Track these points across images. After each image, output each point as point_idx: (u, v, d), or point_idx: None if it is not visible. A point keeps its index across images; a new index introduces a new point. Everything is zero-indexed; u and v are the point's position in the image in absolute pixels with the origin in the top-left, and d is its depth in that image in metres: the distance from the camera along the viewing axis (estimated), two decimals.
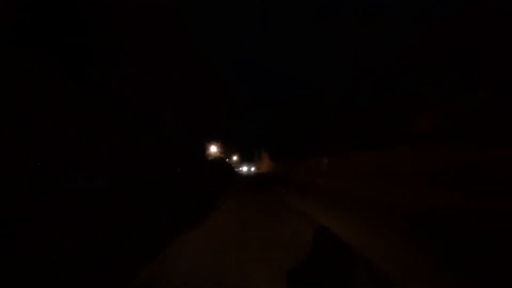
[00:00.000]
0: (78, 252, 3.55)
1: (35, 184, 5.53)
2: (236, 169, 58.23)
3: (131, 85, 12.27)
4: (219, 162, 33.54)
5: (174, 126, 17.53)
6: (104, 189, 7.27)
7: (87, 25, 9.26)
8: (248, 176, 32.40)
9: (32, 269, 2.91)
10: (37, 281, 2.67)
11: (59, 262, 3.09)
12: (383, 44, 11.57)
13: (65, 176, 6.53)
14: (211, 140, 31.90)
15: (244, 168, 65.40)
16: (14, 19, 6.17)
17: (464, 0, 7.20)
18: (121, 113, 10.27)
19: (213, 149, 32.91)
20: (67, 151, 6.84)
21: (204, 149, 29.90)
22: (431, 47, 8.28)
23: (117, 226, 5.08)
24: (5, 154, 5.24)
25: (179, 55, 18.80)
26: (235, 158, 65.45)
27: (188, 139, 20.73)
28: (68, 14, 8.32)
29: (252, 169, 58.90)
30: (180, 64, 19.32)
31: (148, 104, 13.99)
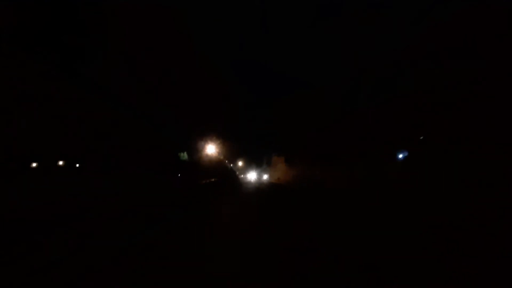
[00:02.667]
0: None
1: (35, 183, 5.53)
2: (241, 176, 46.84)
3: (130, 85, 12.26)
4: (218, 167, 25.64)
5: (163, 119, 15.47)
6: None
7: (87, 25, 9.26)
8: (261, 192, 16.04)
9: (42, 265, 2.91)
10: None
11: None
12: (383, 44, 11.57)
13: (65, 175, 6.52)
14: (208, 138, 24.34)
15: (252, 176, 49.60)
16: (14, 19, 6.16)
17: (464, 0, 7.19)
18: (120, 113, 10.26)
19: (211, 149, 24.73)
20: (66, 150, 6.83)
21: (196, 148, 22.75)
22: (431, 47, 8.27)
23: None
24: (6, 153, 5.24)
25: (179, 55, 18.80)
26: (240, 163, 55.91)
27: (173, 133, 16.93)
28: (68, 14, 8.31)
29: (265, 177, 42.13)
30: (180, 64, 19.30)
31: (146, 103, 13.85)
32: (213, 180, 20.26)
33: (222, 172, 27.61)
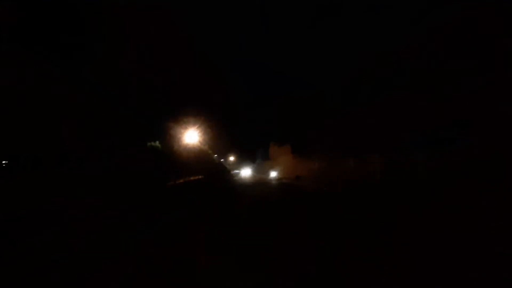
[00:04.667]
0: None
1: (34, 181, 5.53)
2: (234, 171, 41.93)
3: (130, 84, 12.25)
4: (203, 161, 19.09)
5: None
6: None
7: (87, 25, 9.25)
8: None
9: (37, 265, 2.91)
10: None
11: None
12: (383, 44, 11.58)
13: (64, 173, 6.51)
14: (191, 125, 17.24)
15: (246, 172, 42.26)
16: (13, 18, 6.16)
17: (463, 0, 7.20)
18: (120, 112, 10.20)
19: (193, 138, 17.54)
20: (65, 149, 6.82)
21: (173, 136, 15.62)
22: (431, 46, 8.28)
23: None
24: (6, 151, 5.23)
25: (179, 54, 18.79)
26: (232, 158, 51.23)
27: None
28: (69, 14, 8.30)
29: (273, 174, 29.19)
30: (179, 63, 19.30)
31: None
32: (193, 179, 14.45)
33: (209, 167, 20.89)
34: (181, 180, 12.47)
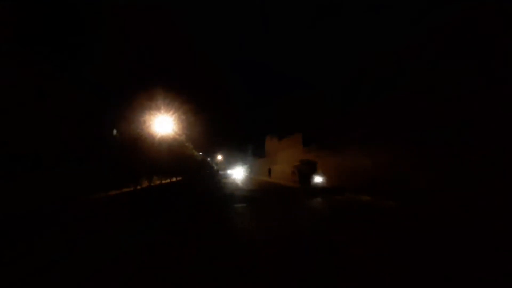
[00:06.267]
0: None
1: (34, 180, 5.53)
2: (222, 172, 38.30)
3: (130, 84, 12.22)
4: (181, 159, 13.24)
5: None
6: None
7: (87, 25, 9.25)
8: None
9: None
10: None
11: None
12: (383, 44, 11.58)
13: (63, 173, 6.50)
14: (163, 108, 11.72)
15: (238, 173, 37.15)
16: (14, 19, 6.16)
17: (463, 0, 7.20)
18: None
19: (166, 126, 11.92)
20: (65, 149, 6.82)
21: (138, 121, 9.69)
22: (431, 46, 8.27)
23: None
24: (6, 152, 5.23)
25: (179, 54, 18.76)
26: (219, 157, 46.67)
27: None
28: (69, 14, 8.30)
29: (318, 180, 14.36)
30: (179, 62, 19.26)
31: None
32: (160, 184, 9.88)
33: (191, 167, 15.77)
34: (131, 189, 7.72)
